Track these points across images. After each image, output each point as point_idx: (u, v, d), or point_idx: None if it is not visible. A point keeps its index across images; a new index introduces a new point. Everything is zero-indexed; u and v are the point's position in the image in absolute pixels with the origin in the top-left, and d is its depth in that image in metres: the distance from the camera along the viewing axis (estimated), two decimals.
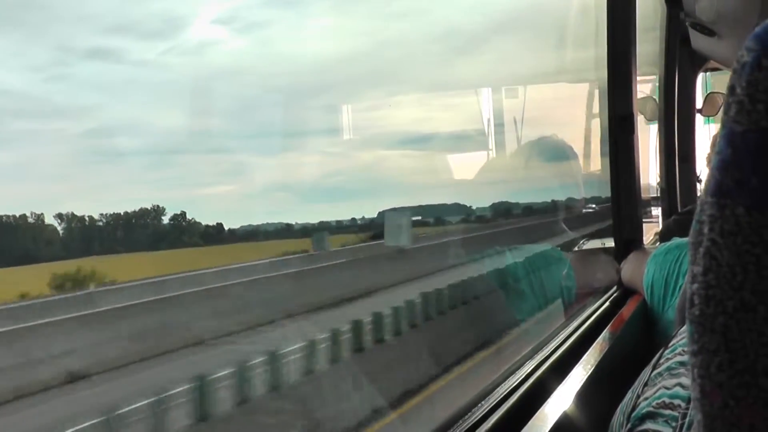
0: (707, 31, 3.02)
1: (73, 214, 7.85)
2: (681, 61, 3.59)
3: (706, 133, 4.08)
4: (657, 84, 3.68)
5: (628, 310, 1.79)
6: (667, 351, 1.01)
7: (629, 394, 0.98)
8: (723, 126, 0.38)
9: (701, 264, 0.38)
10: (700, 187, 3.66)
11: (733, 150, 0.37)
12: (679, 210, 3.57)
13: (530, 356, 1.36)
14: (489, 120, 4.60)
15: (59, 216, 7.75)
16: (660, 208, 3.76)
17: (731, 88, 0.38)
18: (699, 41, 3.34)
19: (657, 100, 3.64)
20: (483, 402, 1.10)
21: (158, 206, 8.48)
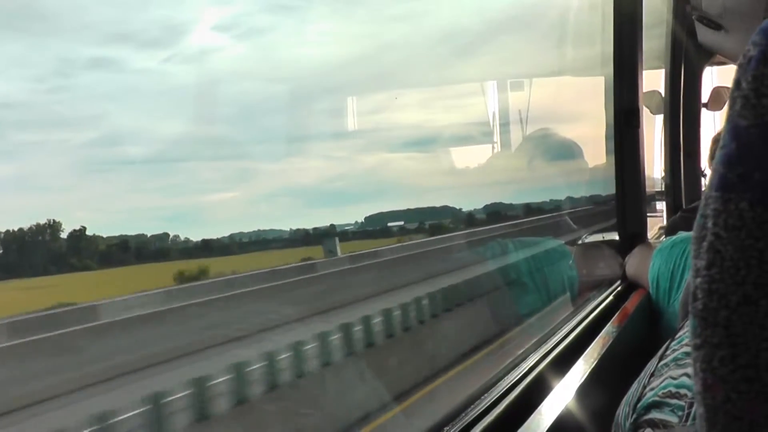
0: (714, 24, 3.00)
1: None
2: (687, 55, 3.58)
3: (711, 127, 4.06)
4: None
5: (631, 304, 1.79)
6: (673, 342, 1.01)
7: (635, 385, 0.99)
8: (728, 121, 0.38)
9: (705, 258, 0.38)
10: (705, 183, 3.64)
11: (737, 144, 0.37)
12: (684, 205, 3.57)
13: (533, 350, 1.37)
14: (493, 120, 4.59)
15: None
16: (664, 203, 3.75)
17: (737, 83, 0.38)
18: (706, 35, 3.32)
19: (663, 93, 3.63)
20: (486, 395, 1.10)
21: (53, 221, 7.20)
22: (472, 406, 1.05)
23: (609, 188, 2.27)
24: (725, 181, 0.38)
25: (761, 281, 0.36)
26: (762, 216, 0.36)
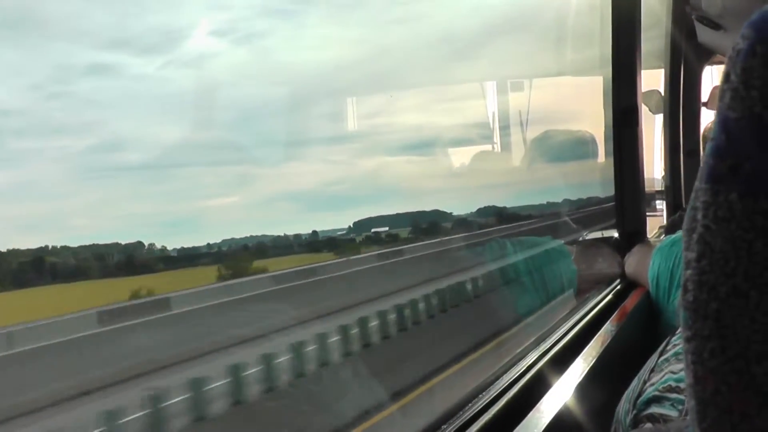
0: (713, 24, 3.01)
1: None
2: (687, 55, 3.58)
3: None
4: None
5: (631, 302, 1.80)
6: (674, 338, 1.01)
7: (635, 381, 0.99)
8: (718, 113, 0.38)
9: (695, 250, 0.39)
10: None
11: (727, 136, 0.37)
12: (684, 204, 3.57)
13: (532, 348, 1.37)
14: (493, 122, 4.58)
15: None
16: (664, 203, 3.75)
17: (726, 75, 0.38)
18: (705, 35, 3.33)
19: (662, 93, 3.63)
20: (484, 393, 1.10)
21: None
22: (471, 404, 1.05)
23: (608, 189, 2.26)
24: (715, 173, 0.38)
25: (751, 273, 0.36)
26: (752, 207, 0.36)
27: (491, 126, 4.64)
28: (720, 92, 0.39)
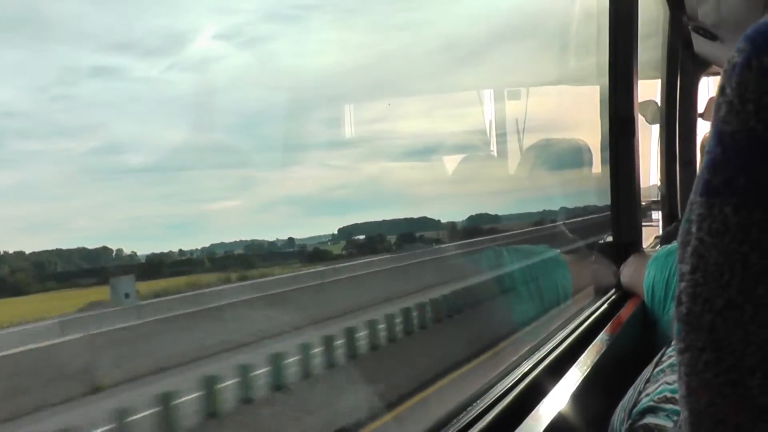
0: (710, 35, 3.03)
1: None
2: (683, 65, 3.59)
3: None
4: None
5: (626, 312, 1.79)
6: (669, 349, 1.01)
7: (630, 392, 0.99)
8: (713, 126, 0.38)
9: (689, 263, 0.39)
10: None
11: (722, 150, 0.37)
12: (680, 215, 3.57)
13: (526, 357, 1.36)
14: (490, 130, 4.59)
15: None
16: (660, 213, 3.76)
17: (721, 89, 0.38)
18: (702, 45, 3.35)
19: (659, 103, 3.64)
20: (478, 401, 1.10)
21: None
22: (465, 412, 1.05)
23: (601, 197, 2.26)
24: (710, 187, 0.38)
25: (745, 285, 0.36)
26: (746, 221, 0.36)
27: (488, 133, 4.65)
28: (715, 105, 0.39)
